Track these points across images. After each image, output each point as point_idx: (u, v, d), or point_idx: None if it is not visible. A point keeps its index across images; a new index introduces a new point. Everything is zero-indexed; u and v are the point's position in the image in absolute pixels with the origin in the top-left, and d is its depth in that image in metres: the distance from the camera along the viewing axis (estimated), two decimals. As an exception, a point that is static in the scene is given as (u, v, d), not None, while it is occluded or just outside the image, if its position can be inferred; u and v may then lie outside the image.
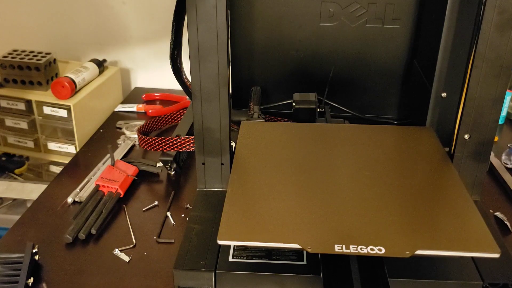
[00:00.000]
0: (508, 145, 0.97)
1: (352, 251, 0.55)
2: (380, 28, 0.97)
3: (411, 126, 0.84)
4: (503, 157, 0.96)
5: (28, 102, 1.10)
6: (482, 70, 0.68)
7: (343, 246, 0.55)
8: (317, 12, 0.96)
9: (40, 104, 1.09)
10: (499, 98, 0.69)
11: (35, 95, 1.09)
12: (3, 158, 1.17)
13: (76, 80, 1.09)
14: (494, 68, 0.67)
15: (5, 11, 1.30)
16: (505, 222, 0.79)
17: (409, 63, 0.99)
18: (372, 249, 0.55)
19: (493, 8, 0.64)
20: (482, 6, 0.65)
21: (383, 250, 0.55)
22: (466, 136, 0.72)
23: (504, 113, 1.11)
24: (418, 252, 0.55)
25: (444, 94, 0.84)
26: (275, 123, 0.95)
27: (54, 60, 1.13)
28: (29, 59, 1.10)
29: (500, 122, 1.12)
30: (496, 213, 0.81)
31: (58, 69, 1.16)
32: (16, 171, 1.14)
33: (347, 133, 0.82)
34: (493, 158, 0.95)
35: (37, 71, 1.09)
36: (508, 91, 1.08)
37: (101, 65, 1.20)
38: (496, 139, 1.04)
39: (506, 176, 0.90)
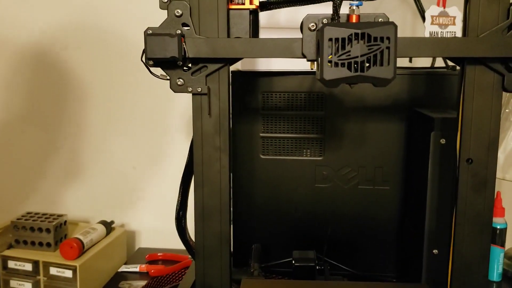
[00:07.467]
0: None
1: None
2: (371, 189, 1.03)
3: (407, 283, 0.86)
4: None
5: (36, 263, 1.12)
6: (465, 227, 0.72)
7: None
8: (312, 175, 1.04)
9: (47, 264, 1.12)
10: (485, 254, 0.73)
11: (43, 256, 1.13)
12: (3, 321, 1.16)
13: (84, 241, 1.13)
14: (475, 225, 0.72)
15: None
16: None
17: (402, 221, 1.04)
18: None
19: (466, 172, 0.71)
20: (457, 170, 0.72)
21: None
22: (460, 293, 0.74)
23: (500, 269, 1.12)
24: None
25: (435, 251, 0.88)
26: (275, 281, 0.97)
27: (65, 222, 1.19)
28: (41, 221, 1.16)
29: (497, 279, 1.13)
30: None
31: (68, 230, 1.21)
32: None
33: (345, 290, 0.84)
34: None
35: (47, 233, 1.14)
36: (500, 248, 1.11)
37: (109, 226, 1.25)
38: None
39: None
